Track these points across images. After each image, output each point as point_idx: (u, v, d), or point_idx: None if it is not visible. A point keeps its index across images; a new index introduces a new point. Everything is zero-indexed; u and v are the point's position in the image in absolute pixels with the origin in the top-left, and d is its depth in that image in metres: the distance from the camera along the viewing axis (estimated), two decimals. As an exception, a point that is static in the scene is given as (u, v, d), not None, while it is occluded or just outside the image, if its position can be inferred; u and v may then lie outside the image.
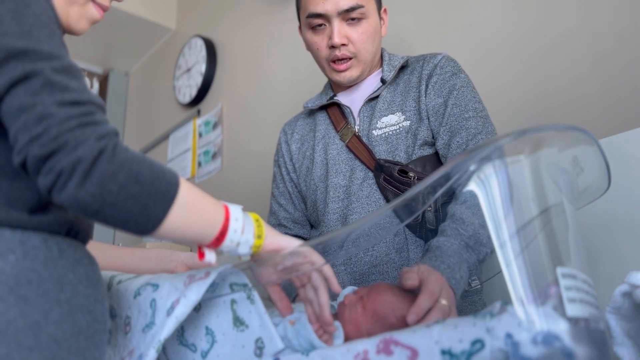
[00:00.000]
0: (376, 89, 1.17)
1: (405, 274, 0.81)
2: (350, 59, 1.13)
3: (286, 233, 1.24)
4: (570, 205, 0.73)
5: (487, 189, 0.65)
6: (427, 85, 1.11)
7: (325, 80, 1.33)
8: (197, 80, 2.56)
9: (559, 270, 0.61)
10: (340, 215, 1.11)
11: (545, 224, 0.67)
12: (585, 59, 1.20)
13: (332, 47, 1.12)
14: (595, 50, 1.19)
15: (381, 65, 1.22)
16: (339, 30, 1.10)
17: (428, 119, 1.09)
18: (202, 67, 2.52)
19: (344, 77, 1.15)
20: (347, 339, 0.81)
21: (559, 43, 1.26)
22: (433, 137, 1.09)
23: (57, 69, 0.59)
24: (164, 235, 0.63)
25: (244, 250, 0.71)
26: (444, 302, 0.77)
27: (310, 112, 1.29)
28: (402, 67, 1.18)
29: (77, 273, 0.65)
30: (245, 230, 0.70)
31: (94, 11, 0.76)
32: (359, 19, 1.11)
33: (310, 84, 1.91)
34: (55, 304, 0.61)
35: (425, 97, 1.10)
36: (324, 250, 0.80)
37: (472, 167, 0.65)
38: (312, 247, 0.76)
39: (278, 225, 1.26)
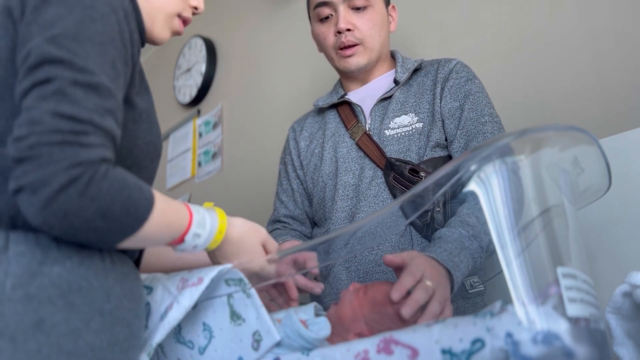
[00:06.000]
0: (389, 89, 1.18)
1: (390, 255, 0.83)
2: (357, 45, 1.15)
3: (284, 228, 1.24)
4: (571, 206, 0.73)
5: (488, 189, 0.65)
6: (442, 89, 1.12)
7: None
8: (197, 80, 2.56)
9: (560, 270, 0.62)
10: (348, 213, 1.12)
11: (546, 224, 0.67)
12: (586, 59, 1.20)
13: (339, 33, 1.15)
14: (595, 50, 1.19)
15: (394, 66, 1.23)
16: (344, 16, 1.14)
17: (442, 121, 1.10)
18: (202, 67, 2.52)
19: (351, 62, 1.17)
20: (342, 321, 0.82)
21: (559, 43, 1.26)
22: (446, 140, 1.10)
23: (79, 82, 0.58)
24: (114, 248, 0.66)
25: (183, 254, 0.75)
26: (428, 282, 0.78)
27: (320, 111, 1.30)
28: (416, 70, 1.20)
29: (124, 287, 0.67)
30: (200, 242, 0.74)
31: (177, 23, 0.82)
32: (365, 7, 1.15)
33: (311, 83, 1.91)
34: (97, 313, 0.62)
35: (441, 100, 1.11)
36: (329, 248, 0.81)
37: (472, 167, 0.65)
38: (317, 244, 0.78)
39: (275, 221, 1.27)
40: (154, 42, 0.81)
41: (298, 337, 0.76)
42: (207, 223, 0.74)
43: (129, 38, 0.67)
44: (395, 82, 1.18)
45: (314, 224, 1.26)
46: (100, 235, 0.59)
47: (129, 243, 0.63)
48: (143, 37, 0.77)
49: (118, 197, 0.58)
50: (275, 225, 1.26)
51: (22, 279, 0.58)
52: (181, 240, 0.71)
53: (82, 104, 0.58)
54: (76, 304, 0.61)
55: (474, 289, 1.01)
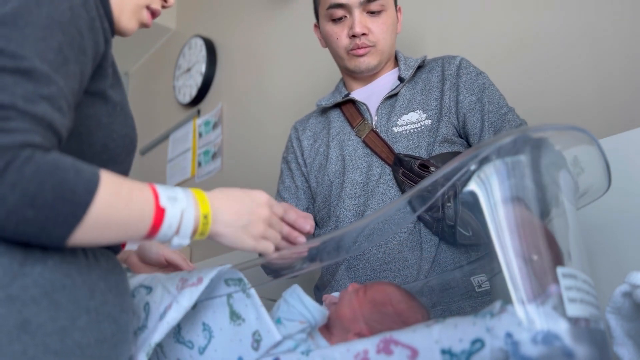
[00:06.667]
0: (394, 86, 1.18)
1: None
2: (370, 46, 1.16)
3: None
4: (571, 205, 0.73)
5: (488, 189, 0.65)
6: (455, 85, 1.13)
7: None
8: (197, 80, 2.56)
9: (560, 270, 0.61)
10: (356, 211, 1.11)
11: (546, 224, 0.67)
12: (586, 59, 1.20)
13: (353, 36, 1.15)
14: (596, 50, 1.19)
15: (396, 65, 1.24)
16: (360, 21, 1.14)
17: (455, 116, 1.11)
18: (202, 67, 2.52)
19: (362, 62, 1.17)
20: (342, 321, 0.82)
21: (559, 43, 1.26)
22: (459, 135, 1.11)
23: (6, 68, 0.55)
24: (75, 246, 0.59)
25: (181, 242, 0.66)
26: None
27: (323, 111, 1.29)
28: (419, 67, 1.20)
29: (108, 282, 0.66)
30: (181, 231, 0.64)
31: (145, 15, 0.80)
32: (379, 11, 1.15)
33: (311, 83, 1.91)
34: (83, 311, 0.61)
35: (457, 94, 1.12)
36: (338, 245, 0.80)
37: (472, 167, 0.65)
38: (326, 241, 0.77)
39: None
40: (120, 33, 0.78)
41: (299, 304, 0.76)
42: (176, 190, 0.65)
43: (89, 25, 0.64)
44: (400, 79, 1.18)
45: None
46: (39, 227, 0.54)
47: (85, 234, 0.56)
48: (112, 27, 0.74)
49: (47, 181, 0.53)
50: None
51: (2, 280, 0.56)
52: (160, 214, 0.61)
53: (7, 90, 0.54)
54: (61, 303, 0.59)
55: (482, 288, 1.00)
